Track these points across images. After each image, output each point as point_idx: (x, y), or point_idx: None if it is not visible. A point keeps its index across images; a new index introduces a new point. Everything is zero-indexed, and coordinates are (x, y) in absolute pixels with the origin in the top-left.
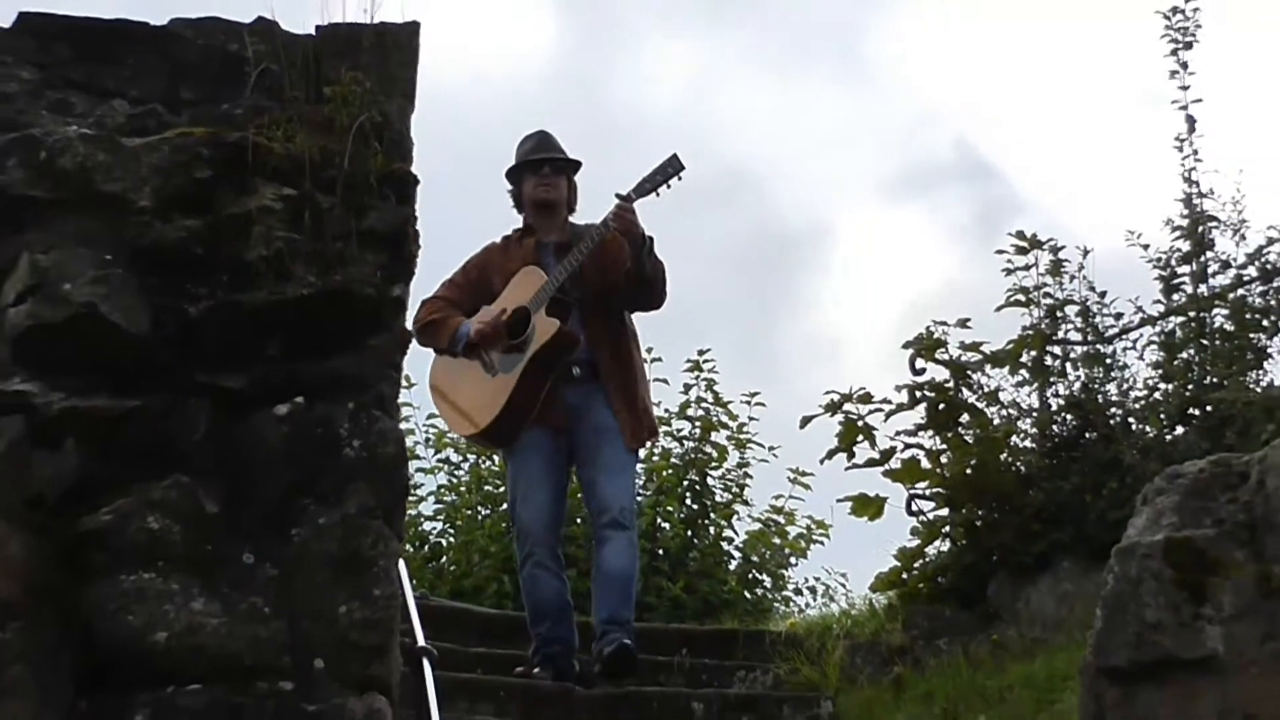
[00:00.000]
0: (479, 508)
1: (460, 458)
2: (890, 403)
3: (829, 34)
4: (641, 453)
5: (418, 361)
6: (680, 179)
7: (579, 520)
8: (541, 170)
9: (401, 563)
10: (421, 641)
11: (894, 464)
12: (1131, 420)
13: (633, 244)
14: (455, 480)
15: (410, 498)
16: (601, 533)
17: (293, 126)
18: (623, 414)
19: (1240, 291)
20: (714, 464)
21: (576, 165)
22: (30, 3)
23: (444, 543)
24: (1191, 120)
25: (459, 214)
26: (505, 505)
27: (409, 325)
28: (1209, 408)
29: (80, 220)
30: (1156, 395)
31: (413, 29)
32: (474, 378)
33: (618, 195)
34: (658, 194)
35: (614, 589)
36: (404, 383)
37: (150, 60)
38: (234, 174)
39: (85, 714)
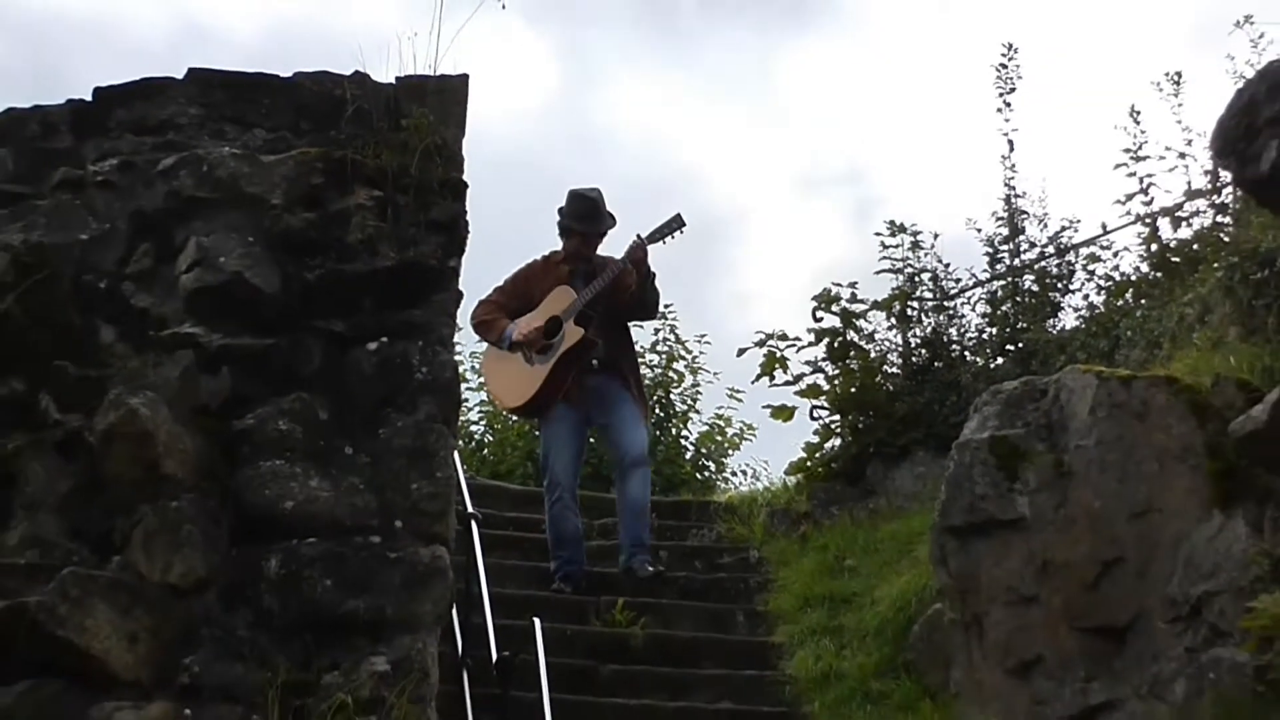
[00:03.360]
0: (509, 417)
1: None
2: (800, 341)
3: (746, 71)
4: None
5: (466, 315)
6: (683, 233)
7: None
8: (588, 238)
9: (455, 453)
10: (470, 509)
11: (802, 385)
12: (967, 353)
13: (640, 275)
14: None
15: (461, 408)
16: (626, 470)
17: (379, 148)
18: (634, 392)
19: (1043, 263)
20: (675, 384)
21: (610, 227)
22: (197, 60)
23: (485, 439)
24: (1011, 143)
25: (484, 209)
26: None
27: (471, 312)
28: (1020, 344)
29: (231, 214)
30: (984, 336)
31: (464, 79)
32: (516, 366)
33: (638, 236)
34: (664, 242)
35: (636, 516)
36: (456, 327)
37: (280, 101)
38: (339, 181)
39: (236, 559)
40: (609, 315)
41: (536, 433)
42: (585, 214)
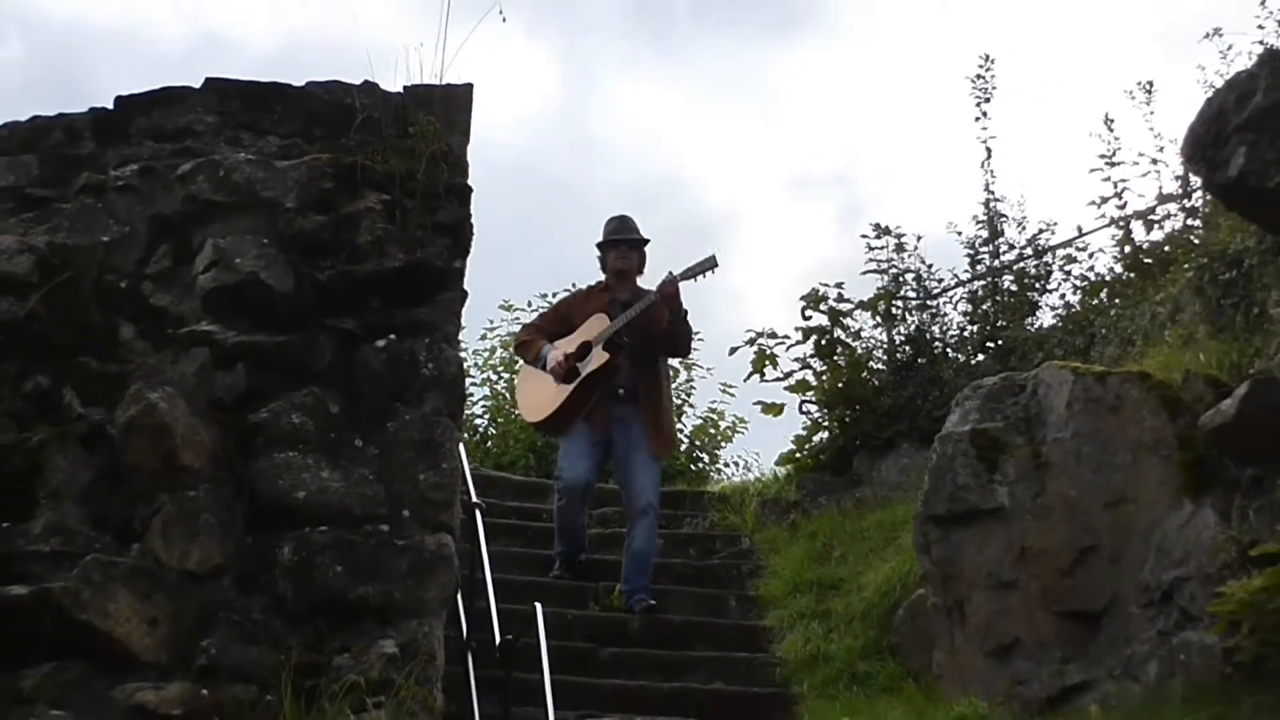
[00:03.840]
0: (512, 410)
1: (496, 377)
2: (789, 338)
3: (741, 76)
4: None
5: (471, 314)
6: (714, 273)
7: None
8: (620, 247)
9: (460, 445)
10: (474, 498)
11: (791, 381)
12: (949, 350)
13: (672, 310)
14: (495, 391)
15: (466, 402)
16: (634, 517)
17: (388, 153)
18: (650, 431)
19: (1021, 264)
20: (670, 379)
21: (645, 242)
22: (214, 70)
23: (489, 432)
24: (989, 150)
25: (487, 212)
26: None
27: (515, 335)
28: (1000, 342)
29: (246, 216)
30: (965, 334)
31: (468, 88)
32: (545, 385)
33: (670, 273)
34: (695, 280)
35: (639, 565)
36: (461, 325)
37: (293, 109)
38: (349, 185)
39: (251, 546)
40: (640, 347)
41: None
42: (616, 227)
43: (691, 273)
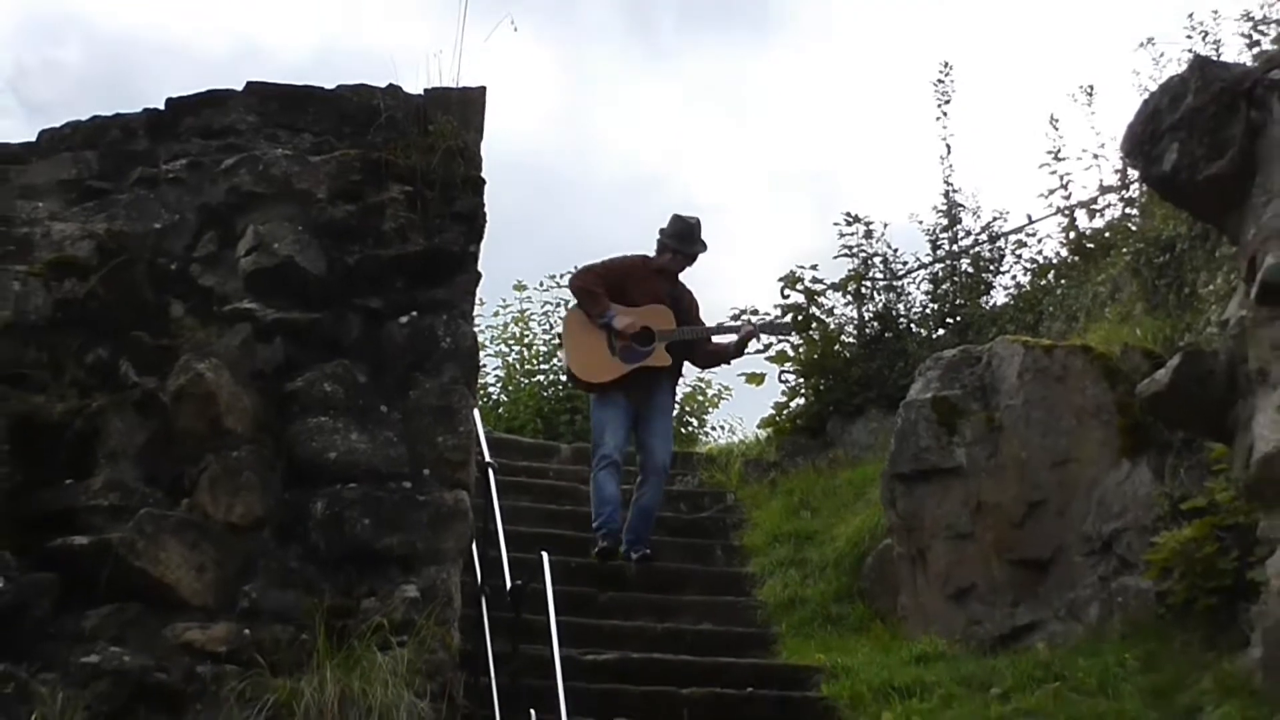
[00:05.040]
0: (522, 379)
1: (508, 350)
2: (769, 315)
3: (724, 80)
4: None
5: (484, 293)
6: (788, 338)
7: None
8: (678, 256)
9: (475, 411)
10: (488, 458)
11: (771, 353)
12: (912, 326)
13: (739, 348)
14: (507, 362)
15: (480, 372)
16: (647, 475)
17: (410, 149)
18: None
19: (977, 248)
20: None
21: (701, 252)
22: (254, 74)
23: (501, 398)
24: (948, 146)
25: (499, 202)
26: (538, 377)
27: (575, 274)
28: (958, 318)
29: (283, 206)
30: (927, 311)
31: (482, 90)
32: (597, 345)
33: (749, 322)
34: (768, 339)
35: (643, 518)
36: (476, 304)
37: (325, 110)
38: (375, 178)
39: (288, 501)
40: (683, 348)
41: (545, 394)
42: (682, 235)
43: (769, 330)
